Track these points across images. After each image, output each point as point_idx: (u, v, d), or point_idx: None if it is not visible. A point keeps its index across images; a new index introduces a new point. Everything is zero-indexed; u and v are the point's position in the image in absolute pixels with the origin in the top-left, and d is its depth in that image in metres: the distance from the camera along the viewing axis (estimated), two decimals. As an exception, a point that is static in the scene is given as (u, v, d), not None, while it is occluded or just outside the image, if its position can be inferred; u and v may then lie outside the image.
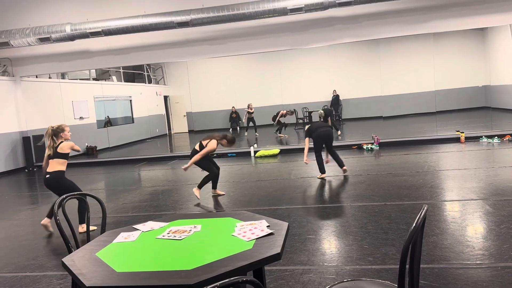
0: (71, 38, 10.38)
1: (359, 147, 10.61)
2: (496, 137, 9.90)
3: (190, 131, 20.30)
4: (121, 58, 11.72)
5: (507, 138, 9.81)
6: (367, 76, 18.90)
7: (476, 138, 10.13)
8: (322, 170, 7.33)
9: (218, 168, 6.63)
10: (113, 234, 2.57)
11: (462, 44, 18.59)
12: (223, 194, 6.69)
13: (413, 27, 10.39)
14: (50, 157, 5.16)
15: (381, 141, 10.62)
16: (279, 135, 15.05)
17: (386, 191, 6.05)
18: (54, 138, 5.16)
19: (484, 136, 10.10)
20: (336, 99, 18.79)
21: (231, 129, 19.23)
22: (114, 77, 16.82)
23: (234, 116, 19.42)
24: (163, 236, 2.40)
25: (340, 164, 7.34)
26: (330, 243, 4.21)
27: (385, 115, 18.18)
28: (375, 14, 10.33)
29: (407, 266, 1.80)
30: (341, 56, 19.11)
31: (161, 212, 5.96)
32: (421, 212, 1.79)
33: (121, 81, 17.58)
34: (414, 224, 1.73)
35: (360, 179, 7.00)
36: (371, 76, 18.88)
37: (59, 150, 5.13)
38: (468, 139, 10.18)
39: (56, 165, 5.13)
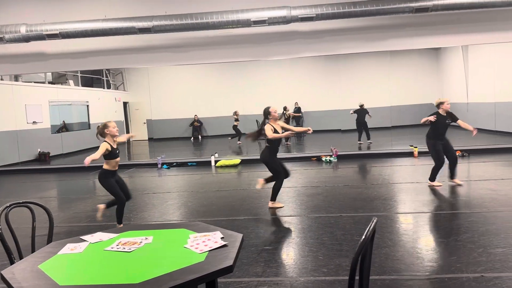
0: (26, 39, 9.96)
1: (318, 159, 10.78)
2: (447, 152, 10.34)
3: (150, 139, 19.93)
4: (79, 62, 11.37)
5: (457, 154, 10.26)
6: (327, 89, 19.34)
7: (428, 153, 10.53)
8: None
9: (287, 174, 6.15)
10: (59, 245, 2.45)
11: (417, 63, 19.43)
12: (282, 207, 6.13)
13: (372, 45, 10.75)
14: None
15: (339, 153, 10.84)
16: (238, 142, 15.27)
17: (342, 202, 6.16)
18: (100, 137, 5.23)
19: (436, 151, 10.52)
20: (297, 111, 19.06)
21: (192, 138, 19.05)
22: (71, 81, 16.27)
23: (196, 125, 19.27)
24: (112, 248, 2.31)
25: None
26: (286, 255, 4.21)
27: (343, 128, 18.61)
28: (336, 30, 10.61)
29: (357, 278, 1.83)
30: (303, 69, 19.47)
31: (114, 222, 5.76)
32: (371, 225, 1.82)
33: (79, 86, 17.03)
34: (363, 237, 1.76)
35: (318, 190, 7.10)
36: (331, 90, 19.35)
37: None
38: (421, 153, 10.58)
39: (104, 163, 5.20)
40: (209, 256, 2.08)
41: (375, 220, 1.87)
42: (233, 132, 16.30)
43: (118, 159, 5.35)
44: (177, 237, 2.40)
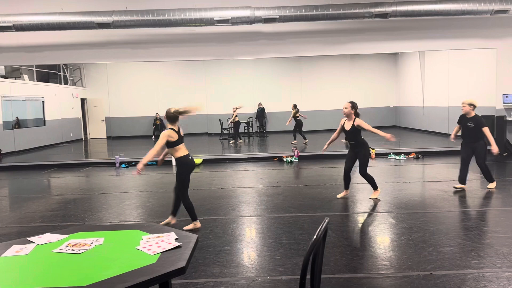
0: (-24, 30, 9.47)
1: (280, 160, 10.87)
2: (402, 154, 10.71)
3: (109, 137, 19.42)
4: (34, 56, 10.92)
5: (412, 156, 10.65)
6: (289, 91, 19.53)
7: (385, 155, 10.87)
8: None
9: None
10: (3, 247, 2.33)
11: (376, 67, 19.98)
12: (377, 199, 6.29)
13: (333, 48, 10.97)
14: None
15: (300, 154, 10.97)
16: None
17: (302, 202, 6.23)
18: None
19: (392, 153, 10.88)
20: (261, 112, 19.13)
21: (154, 137, 18.71)
22: (25, 76, 15.58)
23: (157, 123, 18.93)
24: (60, 249, 2.22)
25: None
26: (244, 255, 4.21)
27: (305, 130, 18.87)
28: (299, 33, 10.75)
29: (309, 277, 1.85)
30: (266, 70, 19.56)
31: (68, 223, 5.57)
32: (322, 224, 1.85)
33: (34, 81, 16.34)
34: (315, 236, 1.78)
35: (278, 190, 7.15)
36: (293, 91, 19.55)
37: None
38: (378, 155, 10.89)
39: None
40: (161, 258, 2.04)
41: (327, 220, 1.90)
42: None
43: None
44: (130, 239, 2.35)
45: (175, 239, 2.31)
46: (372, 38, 10.87)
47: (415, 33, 10.86)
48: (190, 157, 5.08)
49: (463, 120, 6.71)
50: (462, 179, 6.78)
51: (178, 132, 4.98)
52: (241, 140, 15.53)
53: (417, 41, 10.97)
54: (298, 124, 14.28)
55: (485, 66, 12.22)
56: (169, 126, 5.00)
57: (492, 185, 6.82)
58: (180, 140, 5.00)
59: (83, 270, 1.95)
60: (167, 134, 4.86)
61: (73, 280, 1.83)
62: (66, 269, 1.97)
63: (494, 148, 6.48)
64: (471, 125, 6.55)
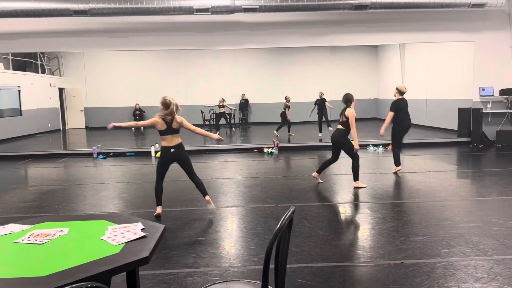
0: None
1: (260, 151, 10.87)
2: (381, 146, 10.83)
3: (87, 128, 19.11)
4: (9, 44, 10.62)
5: (390, 147, 10.76)
6: (271, 82, 19.50)
7: (364, 146, 10.98)
8: None
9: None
10: (-37, 238, 2.27)
11: (356, 59, 20.09)
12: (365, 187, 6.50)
13: (313, 39, 10.96)
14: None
15: (280, 145, 10.99)
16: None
17: (279, 193, 6.25)
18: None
19: (371, 144, 10.99)
20: (245, 103, 19.06)
21: (133, 128, 18.48)
22: (1, 64, 15.16)
23: (137, 113, 18.69)
24: (22, 240, 2.17)
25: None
26: (219, 245, 4.21)
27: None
28: (279, 24, 10.71)
29: (273, 266, 1.85)
30: (248, 60, 19.47)
31: (42, 214, 5.47)
32: (287, 213, 1.85)
33: (9, 69, 15.92)
34: (278, 225, 1.78)
35: (257, 181, 7.16)
36: (274, 82, 19.52)
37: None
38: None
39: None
40: (125, 248, 2.01)
41: (292, 209, 1.90)
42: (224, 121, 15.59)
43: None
44: (95, 229, 2.31)
45: (141, 229, 2.28)
46: (352, 30, 10.90)
47: (395, 26, 10.94)
48: (171, 150, 5.17)
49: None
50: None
51: (169, 123, 5.09)
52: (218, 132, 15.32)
53: (397, 33, 11.05)
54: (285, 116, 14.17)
55: (463, 59, 12.41)
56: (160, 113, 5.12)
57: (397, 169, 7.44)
58: (167, 131, 5.15)
59: (44, 260, 1.91)
60: (154, 119, 5.13)
61: (33, 270, 1.79)
62: (27, 259, 1.93)
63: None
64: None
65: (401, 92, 7.29)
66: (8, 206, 5.93)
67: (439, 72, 13.91)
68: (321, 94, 13.62)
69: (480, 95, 11.15)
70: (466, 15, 10.80)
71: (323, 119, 13.48)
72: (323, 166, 6.77)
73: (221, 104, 14.47)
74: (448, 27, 10.93)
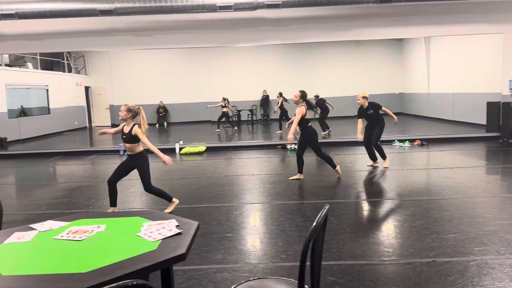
0: (-22, 18, 9.44)
1: (283, 147, 10.85)
2: (407, 141, 10.65)
3: (113, 125, 19.45)
4: (37, 44, 10.90)
5: (417, 143, 10.59)
6: (293, 78, 19.39)
7: (389, 142, 10.82)
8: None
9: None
10: (5, 234, 2.35)
11: (381, 53, 19.77)
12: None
13: (337, 34, 10.85)
14: None
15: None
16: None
17: (305, 190, 6.23)
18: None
19: (397, 140, 10.82)
20: (266, 100, 19.05)
21: (157, 125, 18.73)
22: (29, 64, 15.58)
23: (161, 111, 18.93)
24: (61, 236, 2.23)
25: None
26: (246, 241, 4.23)
27: (311, 117, 18.80)
28: (302, 19, 10.63)
29: (309, 264, 1.85)
30: (270, 56, 19.42)
31: (72, 210, 5.61)
32: (322, 211, 1.84)
33: (38, 69, 16.34)
34: (314, 223, 1.77)
35: (282, 178, 7.15)
36: (297, 78, 19.40)
37: None
38: (382, 142, 10.77)
39: None
40: (162, 244, 2.04)
41: (327, 207, 1.89)
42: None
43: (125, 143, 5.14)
44: (131, 226, 2.35)
45: (176, 226, 2.31)
46: (377, 24, 10.73)
47: (421, 19, 10.71)
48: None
49: (363, 112, 7.56)
50: (372, 157, 7.72)
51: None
52: (219, 130, 15.27)
53: (422, 26, 10.82)
54: (283, 112, 14.15)
55: (491, 52, 12.06)
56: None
57: (387, 162, 7.66)
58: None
59: (84, 256, 1.95)
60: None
61: (74, 266, 1.84)
62: (67, 255, 1.98)
63: (395, 118, 7.92)
64: (371, 112, 7.47)
65: (367, 98, 7.61)
66: (40, 203, 6.10)
67: (467, 65, 13.56)
68: (317, 95, 13.69)
69: (510, 89, 10.81)
70: (494, 6, 10.48)
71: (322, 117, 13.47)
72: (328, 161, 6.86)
73: (223, 104, 14.75)
74: (475, 19, 10.63)
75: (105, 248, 2.04)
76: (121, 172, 5.18)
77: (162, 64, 19.42)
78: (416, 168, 7.54)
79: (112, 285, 1.21)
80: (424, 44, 16.37)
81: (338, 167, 6.93)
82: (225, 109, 14.84)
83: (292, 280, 2.20)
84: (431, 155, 9.06)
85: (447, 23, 10.70)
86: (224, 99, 14.86)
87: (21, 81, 14.51)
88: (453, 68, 14.38)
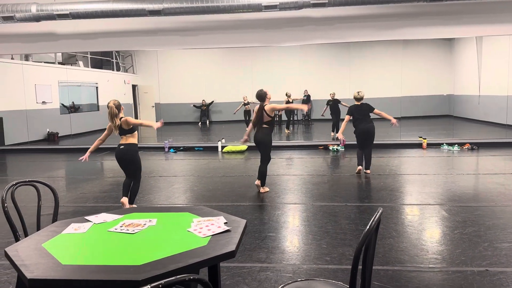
0: (37, 19, 9.94)
1: (325, 148, 10.73)
2: (456, 145, 10.23)
3: (158, 123, 19.94)
4: (89, 43, 11.34)
5: (466, 147, 10.16)
6: (337, 78, 19.13)
7: (437, 145, 10.44)
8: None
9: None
10: (63, 225, 2.46)
11: (429, 53, 19.11)
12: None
13: (384, 33, 10.58)
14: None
15: (346, 143, 10.76)
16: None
17: (348, 192, 6.13)
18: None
19: (445, 143, 10.42)
20: (307, 100, 18.91)
21: (200, 123, 19.05)
22: (80, 62, 16.29)
23: (203, 109, 19.25)
24: (115, 229, 2.31)
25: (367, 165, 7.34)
26: (289, 242, 4.21)
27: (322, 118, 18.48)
28: (348, 18, 10.45)
29: (360, 268, 1.81)
30: (313, 56, 19.26)
31: (120, 204, 5.80)
32: (376, 215, 1.80)
33: (88, 67, 17.05)
34: (368, 227, 1.74)
35: (324, 179, 7.07)
36: (341, 78, 19.12)
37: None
38: (429, 145, 10.47)
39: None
40: (211, 241, 2.07)
41: (380, 211, 1.84)
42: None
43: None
44: (181, 221, 2.40)
45: (225, 223, 2.33)
46: (426, 23, 10.36)
47: (473, 17, 10.23)
48: (120, 147, 5.72)
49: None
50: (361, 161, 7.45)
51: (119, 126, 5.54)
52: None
53: (474, 25, 10.33)
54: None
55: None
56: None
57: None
58: (120, 132, 5.70)
59: (137, 249, 2.01)
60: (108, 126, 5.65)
61: (128, 259, 1.90)
62: (121, 248, 2.05)
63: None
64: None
65: (356, 99, 7.59)
66: (89, 196, 6.36)
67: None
68: (333, 94, 13.42)
69: None
70: (556, 3, 9.86)
71: (336, 119, 13.17)
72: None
73: (245, 101, 14.75)
74: (534, 17, 10.03)
75: (158, 242, 2.10)
76: (122, 168, 5.78)
77: (206, 64, 19.72)
78: (465, 173, 7.23)
79: (170, 278, 1.23)
80: (476, 44, 15.67)
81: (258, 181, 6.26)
82: (247, 107, 15.02)
83: (341, 283, 2.17)
84: (482, 160, 8.66)
85: (501, 22, 10.16)
86: (246, 98, 15.05)
87: (73, 78, 15.19)
88: (507, 69, 13.66)
